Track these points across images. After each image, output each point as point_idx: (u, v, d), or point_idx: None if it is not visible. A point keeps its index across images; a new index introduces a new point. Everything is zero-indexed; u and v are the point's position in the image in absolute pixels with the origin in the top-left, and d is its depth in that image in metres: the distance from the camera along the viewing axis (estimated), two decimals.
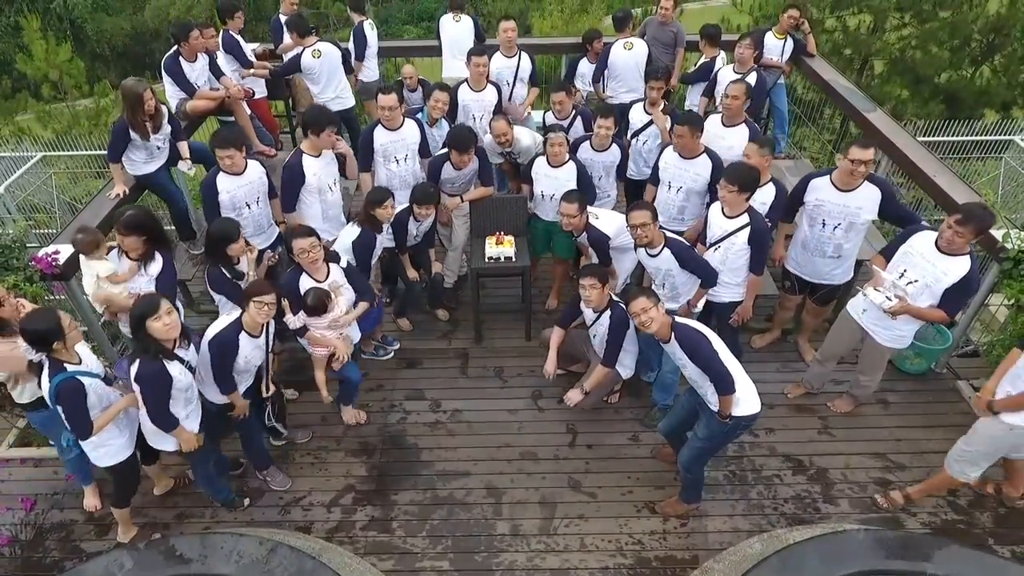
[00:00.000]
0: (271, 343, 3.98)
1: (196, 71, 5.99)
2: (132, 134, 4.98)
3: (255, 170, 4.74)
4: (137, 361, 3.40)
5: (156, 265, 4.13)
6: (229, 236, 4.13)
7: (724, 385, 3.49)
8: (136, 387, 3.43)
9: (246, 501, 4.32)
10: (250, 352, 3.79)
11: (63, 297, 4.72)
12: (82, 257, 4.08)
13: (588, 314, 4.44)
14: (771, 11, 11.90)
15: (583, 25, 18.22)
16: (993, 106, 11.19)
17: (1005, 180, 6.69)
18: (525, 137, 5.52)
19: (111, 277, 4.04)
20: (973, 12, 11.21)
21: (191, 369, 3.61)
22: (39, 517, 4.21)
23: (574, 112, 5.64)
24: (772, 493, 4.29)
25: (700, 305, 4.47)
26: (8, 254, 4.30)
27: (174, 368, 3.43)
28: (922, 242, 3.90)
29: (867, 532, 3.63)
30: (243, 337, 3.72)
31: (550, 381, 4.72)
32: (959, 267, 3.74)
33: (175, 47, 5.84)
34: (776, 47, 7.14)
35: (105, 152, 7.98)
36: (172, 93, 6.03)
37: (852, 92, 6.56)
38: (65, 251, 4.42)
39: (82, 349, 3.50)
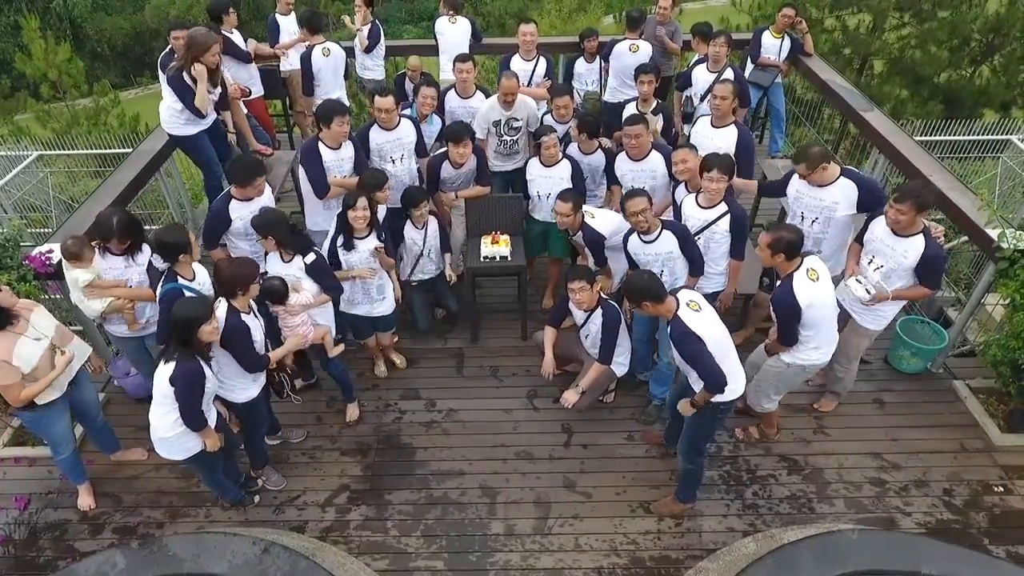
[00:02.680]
0: (258, 315, 4.01)
1: None
2: (188, 82, 4.95)
3: (268, 195, 4.68)
4: (174, 361, 3.41)
5: (144, 255, 4.15)
6: (347, 203, 4.34)
7: (712, 385, 3.51)
8: (170, 388, 3.42)
9: (256, 498, 4.31)
10: (255, 327, 3.85)
11: (58, 296, 4.72)
12: (65, 264, 4.04)
13: (578, 315, 4.44)
14: (770, 11, 11.89)
15: (581, 24, 18.25)
16: (992, 106, 11.18)
17: (1002, 180, 6.67)
18: (531, 102, 5.53)
19: (95, 283, 4.02)
20: (972, 12, 11.21)
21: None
22: (33, 516, 4.20)
23: (575, 115, 5.63)
24: (767, 493, 4.29)
25: None
26: (2, 253, 4.30)
27: (208, 370, 3.50)
28: (879, 227, 4.04)
29: (861, 532, 3.63)
30: (243, 317, 3.76)
31: (549, 381, 4.72)
32: (915, 247, 3.89)
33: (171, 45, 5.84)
34: (773, 46, 7.14)
35: (105, 151, 8.07)
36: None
37: (849, 91, 6.56)
38: (59, 250, 4.41)
39: (199, 268, 4.02)
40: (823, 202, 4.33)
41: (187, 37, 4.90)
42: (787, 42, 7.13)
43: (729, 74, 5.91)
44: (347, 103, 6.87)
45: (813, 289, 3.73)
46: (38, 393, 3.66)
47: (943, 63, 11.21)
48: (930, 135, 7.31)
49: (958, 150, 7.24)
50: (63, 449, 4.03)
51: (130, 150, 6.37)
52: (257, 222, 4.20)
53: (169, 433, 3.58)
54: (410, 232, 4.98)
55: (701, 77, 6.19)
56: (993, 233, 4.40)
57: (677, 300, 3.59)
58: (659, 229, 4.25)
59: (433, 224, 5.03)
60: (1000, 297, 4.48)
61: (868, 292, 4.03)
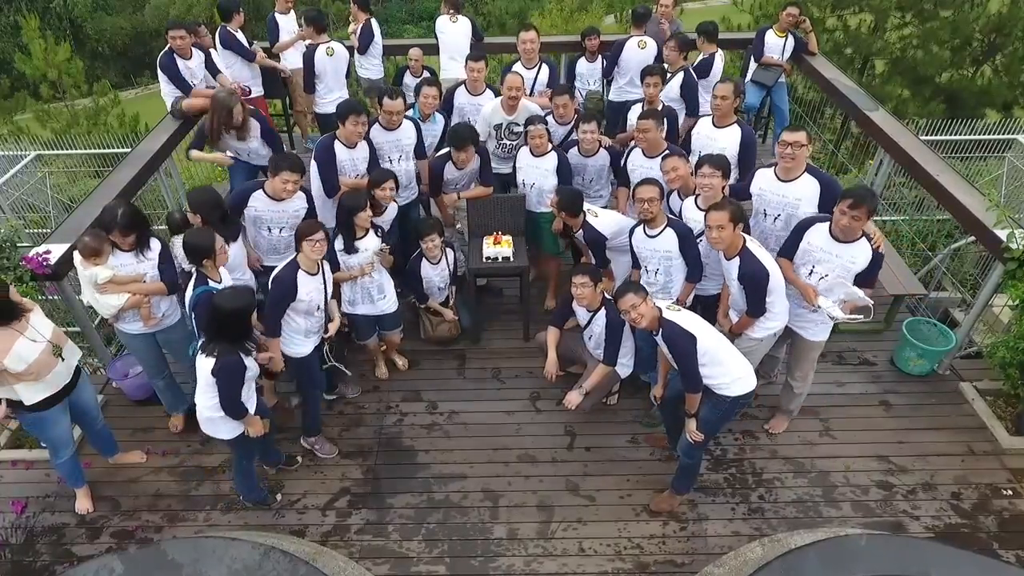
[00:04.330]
0: (328, 282, 4.18)
1: (191, 69, 5.94)
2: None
3: (298, 202, 4.53)
4: (216, 355, 3.47)
5: (153, 251, 4.11)
6: (358, 205, 4.36)
7: (691, 384, 3.56)
8: (212, 380, 3.51)
9: (278, 497, 4.27)
10: (312, 288, 3.99)
11: (56, 297, 4.68)
12: (79, 261, 3.97)
13: (582, 314, 4.40)
14: (772, 10, 11.88)
15: (583, 24, 18.22)
16: (994, 106, 11.18)
17: (1008, 179, 6.63)
18: (534, 107, 5.48)
19: (115, 279, 3.97)
20: (974, 12, 11.21)
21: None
22: (30, 520, 4.15)
23: (576, 117, 5.57)
24: (773, 496, 4.24)
25: (688, 301, 4.42)
26: None
27: (248, 359, 3.59)
28: (817, 235, 3.92)
29: (869, 537, 3.58)
30: (301, 275, 3.93)
31: (551, 382, 4.67)
32: (862, 251, 3.81)
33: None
34: (777, 45, 7.11)
35: (104, 151, 8.04)
36: (168, 91, 6.00)
37: (854, 91, 6.52)
38: (56, 251, 4.37)
39: (224, 273, 4.00)
40: (786, 199, 4.27)
41: (213, 100, 5.09)
42: (791, 41, 7.10)
43: (680, 77, 5.86)
44: None
45: (766, 254, 3.85)
46: None
47: (945, 63, 11.22)
48: (934, 135, 7.27)
49: (960, 150, 7.20)
50: (63, 452, 3.98)
51: (129, 150, 6.33)
52: (193, 196, 4.29)
53: (215, 413, 3.64)
54: (427, 272, 4.95)
55: None
56: (1001, 234, 4.35)
57: (657, 306, 3.63)
58: (663, 225, 4.23)
59: (451, 256, 5.05)
60: (1008, 298, 4.44)
61: (835, 303, 3.88)
